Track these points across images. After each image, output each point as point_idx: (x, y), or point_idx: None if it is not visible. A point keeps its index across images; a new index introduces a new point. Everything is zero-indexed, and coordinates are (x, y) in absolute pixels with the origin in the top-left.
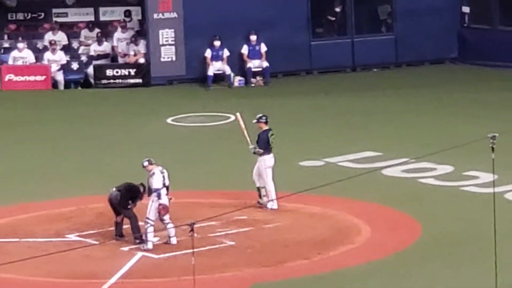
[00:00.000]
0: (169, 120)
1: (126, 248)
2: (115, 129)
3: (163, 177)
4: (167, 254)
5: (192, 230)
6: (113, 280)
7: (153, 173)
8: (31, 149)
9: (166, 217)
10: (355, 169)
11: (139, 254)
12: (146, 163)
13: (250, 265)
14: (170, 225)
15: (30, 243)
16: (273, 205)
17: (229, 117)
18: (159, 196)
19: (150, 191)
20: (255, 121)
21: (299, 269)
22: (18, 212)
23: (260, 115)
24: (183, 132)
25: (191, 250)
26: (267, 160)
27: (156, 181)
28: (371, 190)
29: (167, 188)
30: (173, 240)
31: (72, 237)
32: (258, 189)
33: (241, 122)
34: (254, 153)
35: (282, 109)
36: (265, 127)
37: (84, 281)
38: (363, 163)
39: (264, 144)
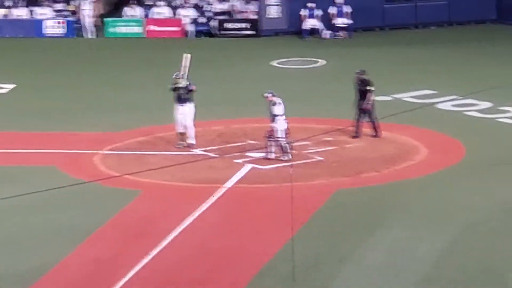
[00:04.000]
0: (274, 63)
1: (240, 161)
2: (233, 69)
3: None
4: (271, 166)
5: (291, 148)
6: (229, 184)
7: (276, 103)
8: (167, 83)
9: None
10: (415, 103)
11: (249, 165)
12: (268, 95)
13: (335, 176)
14: (285, 144)
15: (166, 155)
16: (192, 140)
17: (318, 61)
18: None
19: (274, 117)
20: (173, 76)
21: (373, 179)
22: (159, 131)
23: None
24: (285, 73)
25: (289, 163)
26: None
27: (279, 109)
28: (428, 120)
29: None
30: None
31: (198, 151)
32: (182, 134)
33: (186, 62)
34: (190, 90)
35: (362, 56)
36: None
37: (207, 185)
38: (422, 98)
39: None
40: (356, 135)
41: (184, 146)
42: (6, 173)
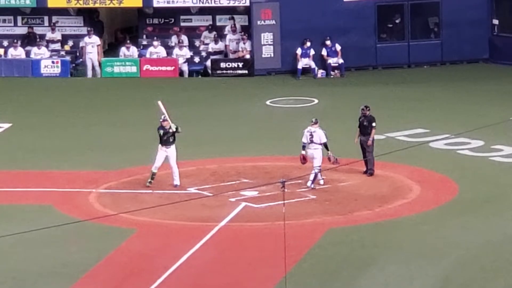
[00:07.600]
0: (267, 102)
1: (233, 199)
2: (226, 108)
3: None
4: (264, 204)
5: (283, 186)
6: (222, 223)
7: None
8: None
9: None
10: (408, 142)
11: (243, 204)
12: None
13: (327, 214)
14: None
15: (160, 194)
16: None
17: (313, 101)
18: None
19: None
20: (161, 119)
21: (365, 218)
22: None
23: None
24: (278, 112)
25: (282, 202)
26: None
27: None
28: (421, 159)
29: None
30: (308, 183)
31: (192, 190)
32: (154, 174)
33: (162, 108)
34: (177, 131)
35: (354, 95)
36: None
37: (201, 224)
38: (415, 137)
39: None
40: (371, 172)
41: (151, 185)
42: (4, 211)
